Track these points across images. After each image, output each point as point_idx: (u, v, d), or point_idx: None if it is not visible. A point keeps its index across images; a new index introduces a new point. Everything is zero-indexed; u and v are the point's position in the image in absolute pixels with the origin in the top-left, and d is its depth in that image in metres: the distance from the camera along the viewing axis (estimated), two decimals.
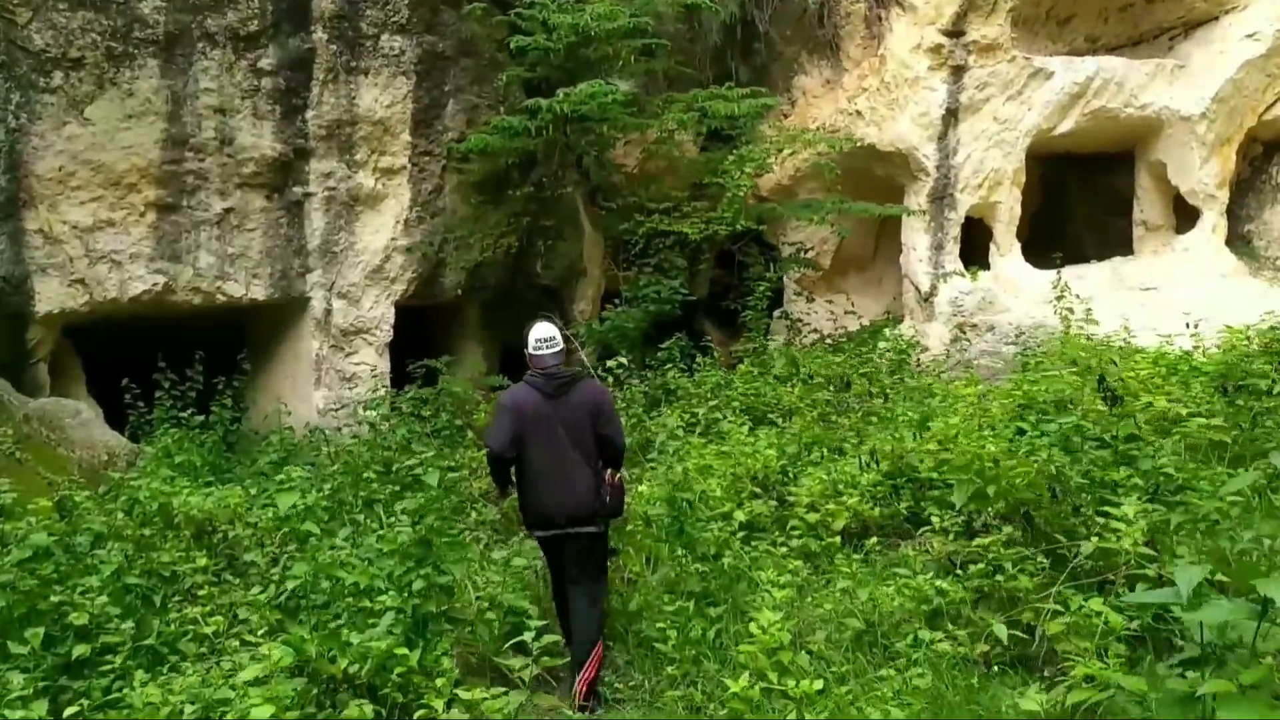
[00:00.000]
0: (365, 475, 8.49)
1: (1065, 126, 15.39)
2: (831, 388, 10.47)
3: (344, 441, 11.56)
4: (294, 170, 12.32)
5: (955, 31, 14.72)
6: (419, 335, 14.13)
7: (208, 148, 11.68)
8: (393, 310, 13.23)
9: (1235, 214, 16.21)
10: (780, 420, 9.89)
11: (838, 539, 6.31)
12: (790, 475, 7.87)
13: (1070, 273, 14.92)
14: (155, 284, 11.60)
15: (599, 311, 15.18)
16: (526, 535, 6.31)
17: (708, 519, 6.69)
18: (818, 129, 15.33)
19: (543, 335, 5.72)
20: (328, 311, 12.77)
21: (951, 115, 14.93)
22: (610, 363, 11.54)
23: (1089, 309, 13.33)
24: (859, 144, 15.01)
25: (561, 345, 5.77)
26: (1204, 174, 15.50)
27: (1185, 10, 15.74)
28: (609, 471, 5.65)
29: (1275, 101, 15.70)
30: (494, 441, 5.58)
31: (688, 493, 6.95)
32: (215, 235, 11.89)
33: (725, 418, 9.86)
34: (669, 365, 12.12)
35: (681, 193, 14.51)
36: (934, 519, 5.88)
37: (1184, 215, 16.41)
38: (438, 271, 13.64)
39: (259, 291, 12.27)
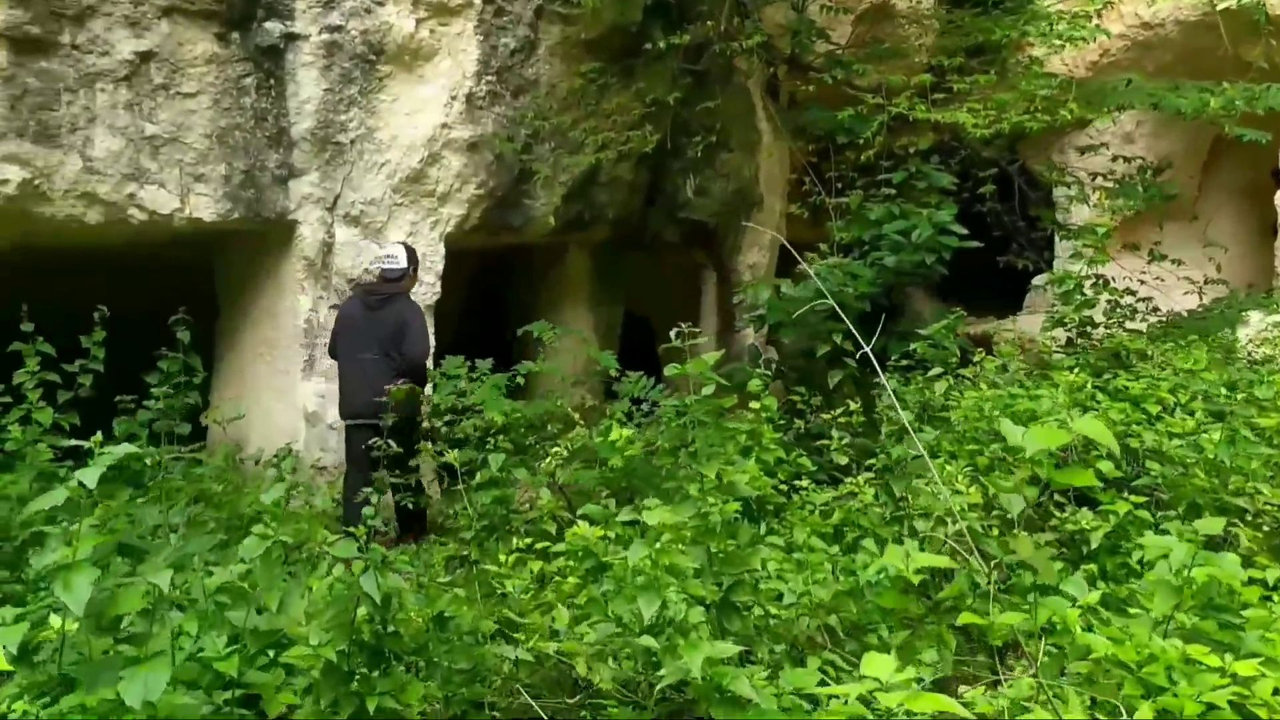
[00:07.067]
0: None
1: None
2: None
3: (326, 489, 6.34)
4: None
5: None
6: (489, 295, 8.73)
7: None
8: (442, 250, 7.80)
9: None
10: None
11: None
12: None
13: None
14: (5, 183, 6.38)
15: (775, 268, 9.83)
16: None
17: None
18: None
19: (392, 252, 6.62)
20: (327, 247, 7.41)
21: None
22: (758, 378, 5.35)
23: None
24: None
25: (400, 267, 6.49)
26: None
27: None
28: (400, 381, 6.17)
29: None
30: (328, 348, 6.69)
31: None
32: (122, 102, 6.63)
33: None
34: (919, 370, 6.27)
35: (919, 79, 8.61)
36: None
37: None
38: (522, 188, 8.13)
39: (205, 207, 6.97)
